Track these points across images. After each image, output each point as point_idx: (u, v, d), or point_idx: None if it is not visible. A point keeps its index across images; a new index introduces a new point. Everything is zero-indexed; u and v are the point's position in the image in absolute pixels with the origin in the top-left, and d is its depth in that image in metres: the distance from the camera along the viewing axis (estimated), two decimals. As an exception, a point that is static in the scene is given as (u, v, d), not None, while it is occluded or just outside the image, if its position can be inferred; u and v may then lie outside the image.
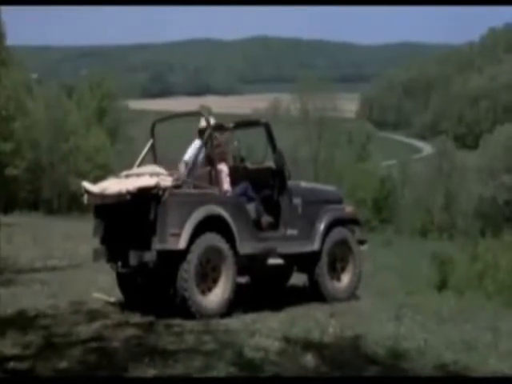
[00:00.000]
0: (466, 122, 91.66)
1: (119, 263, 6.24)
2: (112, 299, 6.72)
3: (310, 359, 4.66)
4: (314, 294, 7.05)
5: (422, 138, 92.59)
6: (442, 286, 8.69)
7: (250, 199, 6.80)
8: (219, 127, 7.14)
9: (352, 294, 7.27)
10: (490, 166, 44.47)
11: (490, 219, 39.28)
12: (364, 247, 7.63)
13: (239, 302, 6.24)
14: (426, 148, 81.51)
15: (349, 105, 78.38)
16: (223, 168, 6.70)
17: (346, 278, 7.26)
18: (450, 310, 7.00)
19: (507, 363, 5.00)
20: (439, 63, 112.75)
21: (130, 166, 6.92)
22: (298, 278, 7.64)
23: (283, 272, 7.38)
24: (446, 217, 38.97)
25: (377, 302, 7.25)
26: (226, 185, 6.63)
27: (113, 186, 6.17)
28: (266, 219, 6.82)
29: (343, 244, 7.24)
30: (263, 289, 7.55)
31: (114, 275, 6.66)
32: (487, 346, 5.50)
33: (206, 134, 6.61)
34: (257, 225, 6.65)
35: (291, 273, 7.62)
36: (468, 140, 78.76)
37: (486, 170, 44.40)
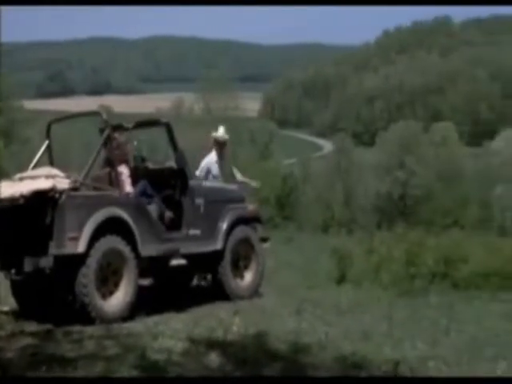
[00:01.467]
0: (363, 120, 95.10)
1: (13, 270, 5.99)
2: (5, 308, 6.44)
3: (213, 358, 4.69)
4: (217, 292, 7.10)
5: (323, 136, 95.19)
6: (340, 279, 9.00)
7: (149, 197, 6.72)
8: (118, 127, 7.01)
9: (255, 292, 7.38)
10: (385, 162, 46.37)
11: (386, 213, 41.09)
12: (266, 245, 7.77)
13: (142, 305, 6.17)
14: (327, 146, 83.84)
15: (251, 104, 79.25)
16: (123, 170, 6.58)
17: (249, 276, 7.36)
18: (349, 303, 7.26)
19: (400, 350, 5.26)
20: (336, 63, 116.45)
21: (25, 168, 6.68)
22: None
23: (187, 272, 7.37)
24: (346, 212, 40.32)
25: (279, 299, 7.41)
26: (128, 187, 6.51)
27: (5, 189, 5.91)
28: (168, 218, 6.77)
29: (246, 242, 7.33)
30: (167, 290, 7.51)
31: (7, 283, 6.38)
32: (383, 335, 5.76)
33: (105, 135, 6.48)
34: (159, 226, 6.60)
35: (195, 273, 7.62)
36: (365, 138, 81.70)
37: (382, 166, 46.29)
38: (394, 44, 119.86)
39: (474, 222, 35.09)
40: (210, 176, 7.95)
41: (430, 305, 6.90)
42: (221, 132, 8.26)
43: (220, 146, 8.18)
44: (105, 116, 6.71)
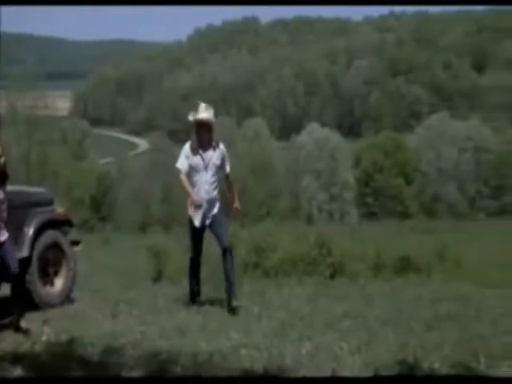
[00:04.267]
0: (179, 117, 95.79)
1: None
2: None
3: (19, 372, 4.45)
4: (26, 302, 6.71)
5: (138, 134, 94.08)
6: (157, 277, 9.01)
7: None
8: None
9: (67, 298, 7.11)
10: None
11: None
12: (78, 248, 7.51)
13: None
14: (143, 144, 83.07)
15: (61, 102, 75.79)
16: None
17: (59, 282, 7.07)
18: (165, 301, 7.29)
19: (215, 342, 5.41)
20: (149, 60, 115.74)
21: None
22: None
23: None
24: (164, 210, 40.41)
25: (94, 302, 7.21)
26: None
27: None
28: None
29: (55, 247, 7.02)
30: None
31: None
32: (198, 329, 5.88)
33: None
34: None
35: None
36: (181, 135, 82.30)
37: (198, 162, 47.00)
38: (206, 42, 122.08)
39: (285, 212, 37.07)
40: (191, 166, 6.49)
41: (243, 294, 7.16)
42: (203, 110, 6.49)
43: (202, 130, 6.51)
44: None
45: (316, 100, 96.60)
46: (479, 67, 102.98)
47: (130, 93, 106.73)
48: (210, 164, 6.53)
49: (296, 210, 40.66)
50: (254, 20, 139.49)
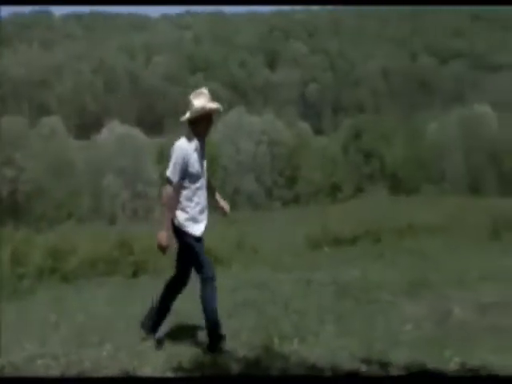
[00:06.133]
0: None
1: None
2: None
3: None
4: None
5: None
6: None
7: None
8: None
9: None
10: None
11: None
12: None
13: None
14: None
15: None
16: None
17: None
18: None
19: (8, 354, 5.09)
20: None
21: None
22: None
23: None
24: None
25: None
26: None
27: None
28: None
29: None
30: None
31: None
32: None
33: None
34: None
35: None
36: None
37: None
38: None
39: (87, 213, 35.92)
40: (188, 172, 5.08)
41: (39, 302, 6.81)
42: (209, 98, 5.19)
43: (208, 122, 5.21)
44: None
45: (116, 96, 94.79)
46: (271, 65, 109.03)
47: None
48: (204, 163, 5.26)
49: (98, 210, 39.59)
50: (46, 13, 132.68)
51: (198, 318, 5.49)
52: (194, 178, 5.10)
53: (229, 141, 54.52)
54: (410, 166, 52.91)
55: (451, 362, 4.62)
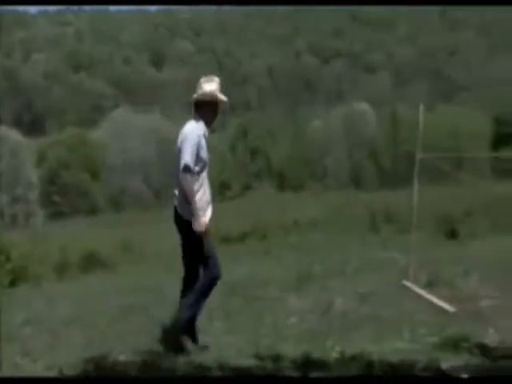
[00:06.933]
0: None
1: None
2: None
3: None
4: None
5: None
6: None
7: None
8: None
9: None
10: None
11: None
12: None
13: None
14: None
15: None
16: None
17: None
18: None
19: None
20: None
21: None
22: None
23: None
24: None
25: None
26: None
27: None
28: None
29: None
30: None
31: None
32: None
33: None
34: None
35: None
36: None
37: None
38: None
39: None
40: (199, 158, 4.79)
41: None
42: (219, 87, 5.00)
43: (218, 109, 4.98)
44: None
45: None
46: (157, 63, 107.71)
47: None
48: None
49: None
50: None
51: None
52: (202, 166, 4.84)
53: (115, 140, 53.26)
54: (294, 163, 54.32)
55: (333, 351, 4.80)
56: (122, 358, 4.91)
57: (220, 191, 50.88)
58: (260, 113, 74.08)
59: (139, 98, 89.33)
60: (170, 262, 9.81)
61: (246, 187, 54.31)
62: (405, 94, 70.02)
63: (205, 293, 4.97)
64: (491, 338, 4.82)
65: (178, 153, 4.80)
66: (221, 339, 5.24)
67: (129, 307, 6.48)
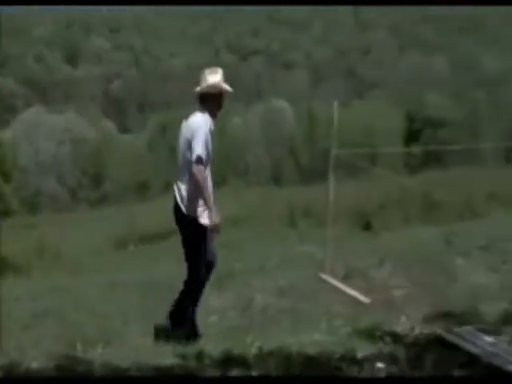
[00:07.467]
0: None
1: None
2: None
3: None
4: None
5: None
6: None
7: None
8: None
9: None
10: None
11: None
12: None
13: None
14: None
15: None
16: None
17: None
18: None
19: None
20: None
21: None
22: None
23: None
24: None
25: None
26: None
27: None
28: None
29: None
30: None
31: None
32: None
33: None
34: None
35: None
36: None
37: None
38: None
39: None
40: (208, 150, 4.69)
41: None
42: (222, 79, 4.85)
43: (222, 100, 4.90)
44: None
45: None
46: (71, 60, 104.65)
47: None
48: None
49: None
50: None
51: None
52: (208, 160, 4.75)
53: (27, 140, 51.37)
54: (216, 160, 54.24)
55: (252, 347, 4.82)
56: (34, 364, 4.73)
57: (139, 191, 50.14)
58: (180, 111, 73.42)
59: (53, 97, 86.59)
60: (84, 264, 9.59)
61: (167, 186, 53.74)
62: (322, 92, 71.43)
63: (193, 298, 5.01)
64: (403, 325, 4.99)
65: (183, 146, 4.72)
66: (137, 341, 5.15)
67: (43, 312, 6.27)
